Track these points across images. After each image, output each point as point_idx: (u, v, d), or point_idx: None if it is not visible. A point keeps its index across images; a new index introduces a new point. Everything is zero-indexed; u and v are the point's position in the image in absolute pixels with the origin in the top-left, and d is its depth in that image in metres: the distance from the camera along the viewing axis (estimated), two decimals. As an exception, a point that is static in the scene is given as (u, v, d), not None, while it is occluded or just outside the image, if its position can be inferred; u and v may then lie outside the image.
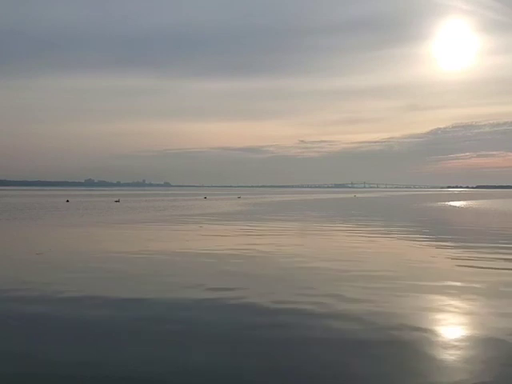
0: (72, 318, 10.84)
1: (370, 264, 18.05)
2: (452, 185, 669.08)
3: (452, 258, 19.49)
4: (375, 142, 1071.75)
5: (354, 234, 29.89)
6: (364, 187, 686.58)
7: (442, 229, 35.04)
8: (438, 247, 23.24)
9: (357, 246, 23.27)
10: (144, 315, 11.07)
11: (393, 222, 41.42)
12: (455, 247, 23.08)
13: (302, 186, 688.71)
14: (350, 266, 17.37)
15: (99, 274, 16.10)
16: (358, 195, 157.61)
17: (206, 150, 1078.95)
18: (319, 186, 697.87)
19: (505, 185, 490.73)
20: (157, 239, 26.46)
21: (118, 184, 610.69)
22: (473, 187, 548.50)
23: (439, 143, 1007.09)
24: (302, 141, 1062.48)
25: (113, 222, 39.77)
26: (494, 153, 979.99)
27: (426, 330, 9.84)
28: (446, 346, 8.99)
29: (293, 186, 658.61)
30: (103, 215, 48.54)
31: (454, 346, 8.92)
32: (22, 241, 26.35)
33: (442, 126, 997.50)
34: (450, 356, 8.41)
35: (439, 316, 11.05)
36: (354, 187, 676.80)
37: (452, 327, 10.40)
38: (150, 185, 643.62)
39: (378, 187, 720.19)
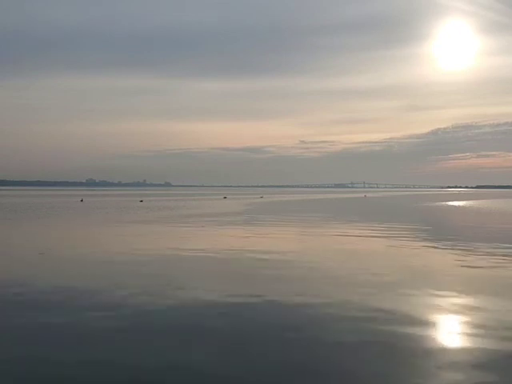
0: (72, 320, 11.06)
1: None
2: (452, 185, 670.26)
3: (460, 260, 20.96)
4: (375, 142, 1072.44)
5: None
6: (364, 187, 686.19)
7: (450, 228, 36.57)
8: (444, 247, 24.57)
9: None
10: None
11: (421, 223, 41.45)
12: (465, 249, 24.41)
13: (302, 186, 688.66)
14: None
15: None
16: (367, 195, 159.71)
17: (205, 149, 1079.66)
18: (319, 186, 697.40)
19: (505, 185, 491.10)
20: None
21: (120, 184, 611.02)
22: (472, 187, 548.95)
23: (439, 143, 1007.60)
24: (303, 141, 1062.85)
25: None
26: (494, 153, 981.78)
27: (425, 332, 10.03)
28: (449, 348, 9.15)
29: (293, 186, 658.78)
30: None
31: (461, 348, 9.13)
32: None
33: (442, 126, 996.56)
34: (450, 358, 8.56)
35: (439, 316, 11.43)
36: (354, 187, 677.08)
37: (456, 330, 10.40)
38: (151, 184, 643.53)
39: (377, 187, 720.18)
